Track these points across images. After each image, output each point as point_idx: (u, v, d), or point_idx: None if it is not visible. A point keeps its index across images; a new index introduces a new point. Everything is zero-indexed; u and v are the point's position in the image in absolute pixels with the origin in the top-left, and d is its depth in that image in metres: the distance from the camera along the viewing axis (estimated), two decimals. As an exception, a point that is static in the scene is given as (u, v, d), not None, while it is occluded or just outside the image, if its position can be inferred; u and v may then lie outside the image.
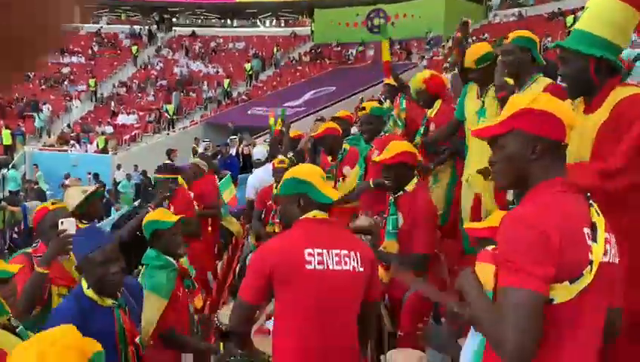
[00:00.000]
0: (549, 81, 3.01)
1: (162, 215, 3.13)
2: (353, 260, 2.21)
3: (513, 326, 1.37)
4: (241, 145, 12.88)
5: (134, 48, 30.40)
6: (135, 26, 33.45)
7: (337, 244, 2.21)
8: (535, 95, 1.64)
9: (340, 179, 4.57)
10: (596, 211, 1.53)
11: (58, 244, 2.73)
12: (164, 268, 3.01)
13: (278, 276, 2.13)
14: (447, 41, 25.21)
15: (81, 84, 28.17)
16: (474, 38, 20.69)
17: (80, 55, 30.61)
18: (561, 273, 1.41)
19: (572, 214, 1.49)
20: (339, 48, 29.80)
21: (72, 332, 1.51)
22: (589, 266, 1.43)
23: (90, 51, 30.82)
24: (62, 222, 2.72)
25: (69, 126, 24.85)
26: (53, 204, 3.07)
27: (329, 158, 4.85)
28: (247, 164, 11.61)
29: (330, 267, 2.16)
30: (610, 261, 1.52)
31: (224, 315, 3.45)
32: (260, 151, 9.42)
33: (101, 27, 32.94)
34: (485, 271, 1.52)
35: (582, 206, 1.53)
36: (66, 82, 28.18)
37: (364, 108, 4.40)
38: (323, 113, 16.49)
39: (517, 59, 3.21)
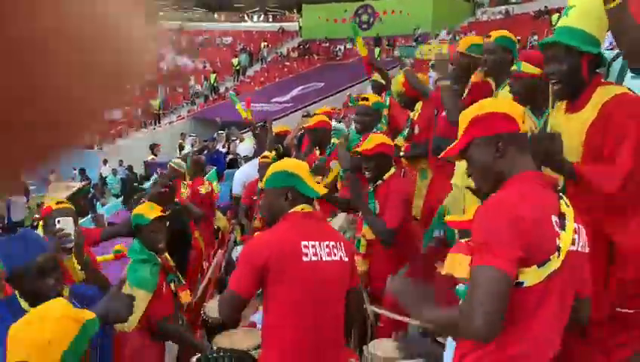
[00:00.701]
0: None
1: (145, 210, 3.14)
2: (340, 250, 2.27)
3: (481, 303, 1.45)
4: (228, 141, 12.84)
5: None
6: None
7: (326, 236, 2.26)
8: (478, 104, 1.75)
9: (327, 171, 4.58)
10: (565, 203, 1.63)
11: (54, 243, 2.66)
12: (147, 262, 3.02)
13: (273, 268, 2.13)
14: (435, 38, 25.33)
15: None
16: (462, 35, 20.78)
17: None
18: (529, 257, 1.50)
19: (541, 203, 1.58)
20: (327, 44, 29.78)
21: (63, 304, 1.60)
22: (557, 252, 1.52)
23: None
24: (58, 221, 2.69)
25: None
26: (57, 203, 3.05)
27: (317, 152, 4.85)
28: (233, 160, 11.58)
29: (323, 258, 2.20)
30: (579, 250, 1.62)
31: (211, 308, 3.45)
32: (246, 147, 9.39)
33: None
34: (461, 262, 1.57)
35: (551, 197, 1.63)
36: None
37: (365, 99, 4.39)
38: (310, 109, 16.51)
39: (498, 58, 3.25)
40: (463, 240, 1.64)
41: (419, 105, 4.42)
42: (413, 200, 3.66)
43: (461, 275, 1.58)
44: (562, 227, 1.56)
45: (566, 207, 1.62)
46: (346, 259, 2.29)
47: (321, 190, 2.36)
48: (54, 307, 1.58)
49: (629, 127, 2.03)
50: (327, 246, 2.23)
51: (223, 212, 7.27)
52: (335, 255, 2.24)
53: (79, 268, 2.87)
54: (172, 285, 3.15)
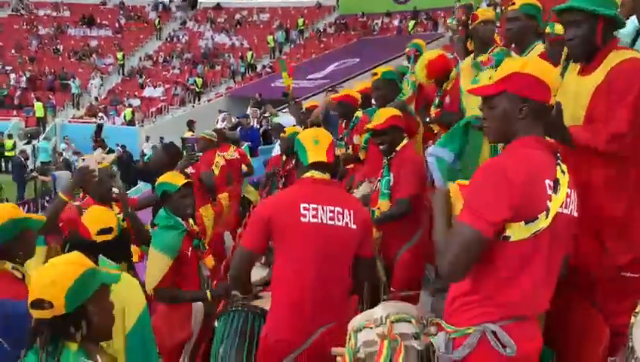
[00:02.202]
0: (543, 48, 3.02)
1: (171, 177, 3.31)
2: (347, 217, 2.37)
3: (451, 251, 1.63)
4: (262, 119, 12.99)
5: (157, 21, 30.53)
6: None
7: (332, 202, 2.37)
8: (525, 60, 1.79)
9: (350, 147, 4.65)
10: (562, 170, 1.69)
11: (79, 176, 3.29)
12: (173, 229, 3.18)
13: (275, 227, 2.31)
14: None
15: (108, 57, 28.56)
16: (502, 6, 20.17)
17: (107, 28, 30.95)
18: (517, 214, 1.60)
19: (536, 167, 1.66)
20: (364, 19, 29.42)
21: (76, 255, 1.74)
22: (545, 212, 1.61)
23: (117, 24, 31.11)
24: (83, 159, 3.01)
25: (96, 99, 25.31)
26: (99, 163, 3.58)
27: (343, 125, 4.93)
28: (268, 136, 11.72)
29: (324, 221, 2.32)
30: (569, 213, 1.71)
31: None
32: (289, 120, 9.48)
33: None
34: (459, 199, 1.68)
35: (549, 162, 1.70)
36: (94, 55, 28.59)
37: (376, 74, 4.42)
38: (346, 85, 16.44)
39: (522, 26, 3.21)
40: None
41: (453, 74, 4.40)
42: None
43: (456, 212, 1.71)
44: (555, 190, 1.64)
45: (562, 173, 1.69)
46: (354, 227, 2.38)
47: (318, 157, 2.41)
48: (64, 256, 1.76)
49: (629, 90, 2.05)
50: (332, 211, 2.34)
51: (256, 186, 7.45)
52: (340, 220, 2.35)
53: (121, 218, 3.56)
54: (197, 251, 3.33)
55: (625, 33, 2.62)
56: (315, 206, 2.32)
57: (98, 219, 3.34)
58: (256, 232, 2.35)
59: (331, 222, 2.33)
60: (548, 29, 2.86)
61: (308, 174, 2.41)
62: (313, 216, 2.31)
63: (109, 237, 3.29)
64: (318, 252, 2.31)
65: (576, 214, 1.76)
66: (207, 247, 3.49)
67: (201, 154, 6.04)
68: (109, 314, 1.75)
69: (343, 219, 2.36)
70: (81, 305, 1.63)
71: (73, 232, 3.36)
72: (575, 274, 2.19)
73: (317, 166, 2.41)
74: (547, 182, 1.65)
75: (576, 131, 2.15)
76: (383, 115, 3.40)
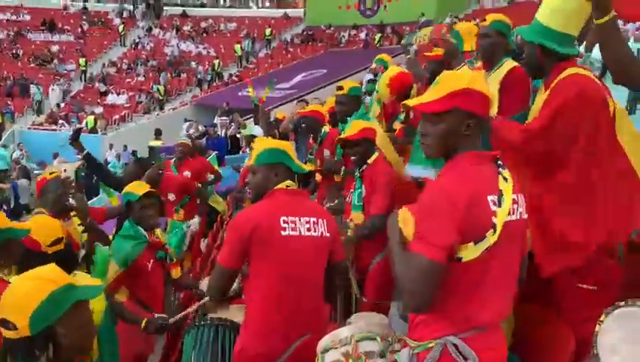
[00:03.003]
0: (513, 64, 3.12)
1: (134, 187, 3.28)
2: (321, 226, 2.39)
3: (414, 286, 1.64)
4: (231, 128, 12.94)
5: (121, 27, 30.06)
6: (125, 5, 33.07)
7: (307, 212, 2.38)
8: (471, 75, 1.82)
9: (319, 161, 4.68)
10: (504, 177, 1.72)
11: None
12: (131, 239, 3.17)
13: (256, 241, 2.27)
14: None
15: (70, 63, 27.92)
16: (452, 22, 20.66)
17: (69, 33, 30.29)
18: (465, 236, 1.63)
19: (478, 185, 1.68)
20: (331, 31, 29.68)
21: (49, 270, 1.62)
22: (492, 229, 1.64)
23: (79, 29, 30.47)
24: (64, 170, 2.95)
25: (58, 105, 24.70)
26: (50, 173, 3.34)
27: (311, 140, 4.96)
28: (234, 145, 11.67)
29: (302, 233, 2.33)
30: (518, 218, 1.75)
31: (205, 286, 3.57)
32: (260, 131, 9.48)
33: (86, 4, 32.44)
34: (408, 223, 1.69)
35: (490, 175, 1.72)
36: (55, 61, 27.92)
37: (340, 88, 4.47)
38: (314, 96, 16.51)
39: (492, 43, 3.30)
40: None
41: (414, 91, 4.50)
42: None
43: (407, 234, 1.71)
44: (499, 204, 1.67)
45: (504, 181, 1.70)
46: (328, 235, 2.42)
47: (307, 167, 2.49)
48: (41, 270, 1.62)
49: (558, 95, 2.24)
50: (308, 221, 2.35)
51: (223, 196, 7.41)
52: (315, 230, 2.36)
53: (82, 229, 3.30)
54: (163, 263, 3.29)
55: (596, 58, 2.79)
56: (293, 218, 2.32)
57: (47, 229, 3.17)
58: (236, 249, 2.30)
59: (308, 233, 2.35)
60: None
61: (283, 185, 2.40)
62: (292, 229, 2.31)
63: (59, 247, 3.16)
64: (296, 264, 2.31)
65: (525, 216, 1.79)
66: (174, 259, 3.44)
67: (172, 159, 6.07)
68: (85, 331, 1.63)
69: (319, 228, 2.38)
70: (48, 327, 1.53)
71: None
72: (538, 284, 2.27)
73: (292, 177, 2.44)
74: (490, 198, 1.67)
75: (498, 123, 2.36)
76: (355, 127, 3.44)
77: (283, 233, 2.29)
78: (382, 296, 3.23)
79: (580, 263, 2.30)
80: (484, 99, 1.74)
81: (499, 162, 1.76)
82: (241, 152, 10.66)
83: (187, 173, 5.93)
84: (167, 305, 3.36)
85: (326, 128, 4.83)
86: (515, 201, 1.73)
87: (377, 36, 26.27)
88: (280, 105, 18.04)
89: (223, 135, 13.00)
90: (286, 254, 2.29)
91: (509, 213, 1.68)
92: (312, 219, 2.37)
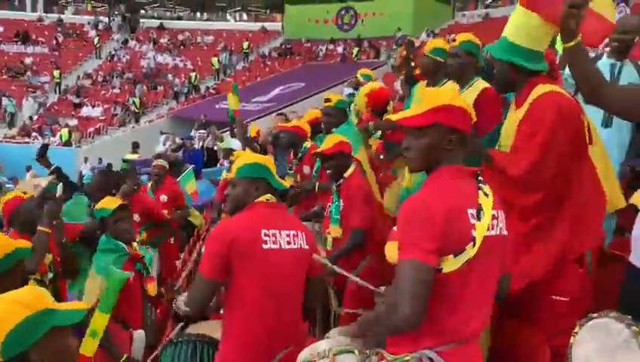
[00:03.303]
0: (484, 84, 3.19)
1: (106, 202, 3.27)
2: (301, 239, 2.40)
3: (406, 291, 1.61)
4: (207, 140, 12.87)
5: (96, 40, 29.80)
6: (100, 17, 32.82)
7: (287, 225, 2.39)
8: (453, 92, 1.88)
9: (299, 176, 4.69)
10: (485, 193, 1.75)
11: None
12: (111, 252, 3.15)
13: (236, 253, 2.25)
14: (400, 47, 25.54)
15: (44, 75, 27.53)
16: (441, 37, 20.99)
17: (44, 45, 29.90)
18: (445, 248, 1.64)
19: (458, 198, 1.71)
20: (309, 44, 29.86)
21: (26, 292, 1.55)
22: (472, 242, 1.66)
23: (54, 41, 30.11)
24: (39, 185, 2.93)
25: (31, 118, 24.30)
26: (24, 193, 3.33)
27: (292, 155, 4.98)
28: (212, 158, 11.60)
29: (283, 246, 2.33)
30: (498, 233, 1.77)
31: (182, 301, 3.53)
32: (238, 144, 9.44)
33: (61, 16, 32.11)
34: (391, 248, 1.70)
35: (470, 189, 1.76)
36: (28, 72, 27.50)
37: (328, 100, 4.50)
38: (292, 109, 16.54)
39: (462, 63, 3.39)
40: (394, 228, 1.77)
41: (390, 106, 4.56)
42: (374, 196, 3.79)
43: (392, 259, 1.71)
44: (478, 218, 1.70)
45: (484, 196, 1.74)
46: (306, 247, 2.42)
47: (287, 184, 2.49)
48: (14, 293, 1.54)
49: (541, 123, 2.25)
50: (288, 234, 2.35)
51: (200, 210, 7.35)
52: (295, 243, 2.37)
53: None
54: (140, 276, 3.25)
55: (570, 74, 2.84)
56: (274, 231, 2.32)
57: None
58: (215, 262, 2.27)
59: (288, 246, 2.35)
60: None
61: (263, 198, 2.40)
62: (273, 242, 2.30)
63: None
64: (276, 277, 2.31)
65: (505, 233, 1.82)
66: (151, 273, 3.41)
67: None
68: (61, 358, 1.53)
69: (298, 241, 2.38)
70: (21, 353, 1.44)
71: None
72: (510, 298, 2.30)
73: (274, 191, 2.45)
74: (469, 211, 1.70)
75: (497, 155, 2.38)
76: (331, 140, 3.47)
77: (264, 246, 2.28)
78: (361, 304, 3.24)
79: (543, 276, 2.34)
80: (465, 114, 1.79)
81: (479, 178, 1.79)
82: (218, 165, 10.61)
83: (164, 197, 5.82)
84: (144, 320, 3.29)
85: (307, 144, 4.85)
86: (494, 217, 1.75)
87: (355, 50, 26.50)
88: (258, 118, 18.05)
89: (199, 147, 12.92)
90: (267, 267, 2.28)
91: (488, 228, 1.70)
92: (292, 232, 2.38)
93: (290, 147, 5.09)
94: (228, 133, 12.34)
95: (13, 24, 30.47)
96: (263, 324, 2.29)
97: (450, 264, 1.65)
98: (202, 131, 13.73)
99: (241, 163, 2.47)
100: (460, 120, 1.78)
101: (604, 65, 3.39)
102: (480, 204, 1.72)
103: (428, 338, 1.70)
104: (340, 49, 28.28)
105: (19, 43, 29.42)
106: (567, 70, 2.99)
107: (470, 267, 1.67)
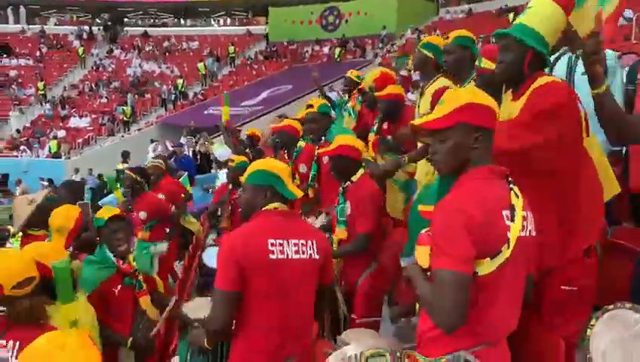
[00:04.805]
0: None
1: (102, 212, 3.25)
2: (310, 248, 2.34)
3: (449, 301, 1.61)
4: (197, 145, 12.82)
5: (81, 50, 29.57)
6: (84, 27, 32.56)
7: (296, 234, 2.33)
8: (473, 90, 1.84)
9: (296, 176, 4.67)
10: (515, 194, 1.75)
11: None
12: (96, 264, 3.14)
13: (245, 264, 2.20)
14: (400, 38, 25.64)
15: (29, 87, 27.27)
16: (425, 35, 21.09)
17: (27, 57, 29.61)
18: (481, 251, 1.64)
19: (493, 201, 1.70)
20: (294, 46, 29.84)
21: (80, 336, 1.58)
22: (507, 244, 1.66)
23: (37, 53, 29.83)
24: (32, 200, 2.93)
25: (18, 131, 24.06)
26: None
27: (286, 155, 4.95)
28: (203, 164, 11.56)
29: (290, 256, 2.27)
30: (527, 234, 1.77)
31: (190, 309, 3.45)
32: (222, 153, 9.41)
33: (43, 27, 31.81)
34: (422, 253, 1.70)
35: (503, 190, 1.75)
36: (13, 85, 27.23)
37: (310, 106, 4.47)
38: (280, 112, 16.52)
39: (458, 58, 3.39)
40: (424, 231, 1.75)
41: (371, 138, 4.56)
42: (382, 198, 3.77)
43: (423, 264, 1.71)
44: (512, 219, 1.70)
45: (515, 197, 1.74)
46: (317, 257, 2.36)
47: (299, 193, 2.43)
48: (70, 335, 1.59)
49: (544, 103, 2.19)
50: (296, 244, 2.30)
51: (197, 217, 7.30)
52: (304, 253, 2.31)
53: None
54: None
55: (558, 75, 2.82)
56: (281, 241, 2.26)
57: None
58: (231, 273, 2.20)
59: (297, 256, 2.29)
60: (477, 62, 3.01)
61: (271, 206, 2.34)
62: (280, 252, 2.25)
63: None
64: (283, 287, 2.26)
65: (534, 233, 1.82)
66: (144, 287, 3.35)
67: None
68: None
69: (307, 250, 2.33)
70: None
71: None
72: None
73: (285, 199, 2.38)
74: (504, 212, 1.70)
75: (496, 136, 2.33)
76: (336, 142, 3.43)
77: (271, 256, 2.23)
78: (371, 314, 3.23)
79: (556, 264, 2.33)
80: (488, 111, 1.77)
81: (509, 178, 1.79)
82: (212, 171, 10.58)
83: (161, 196, 5.82)
84: (133, 332, 3.22)
85: (301, 143, 4.83)
86: (524, 218, 1.75)
87: (337, 50, 26.47)
88: (248, 121, 17.98)
89: (190, 154, 12.85)
90: (272, 277, 2.24)
91: (520, 230, 1.70)
92: (301, 241, 2.32)
93: (282, 147, 5.07)
94: (220, 137, 12.32)
95: (-5, 37, 30.19)
96: (270, 334, 2.26)
97: (487, 267, 1.65)
98: (190, 137, 13.68)
99: (251, 169, 2.43)
100: (485, 117, 1.76)
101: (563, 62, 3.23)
102: (513, 205, 1.72)
103: (463, 340, 1.69)
104: (325, 50, 28.28)
105: (3, 56, 29.13)
106: (558, 68, 2.96)
107: (503, 268, 1.67)
